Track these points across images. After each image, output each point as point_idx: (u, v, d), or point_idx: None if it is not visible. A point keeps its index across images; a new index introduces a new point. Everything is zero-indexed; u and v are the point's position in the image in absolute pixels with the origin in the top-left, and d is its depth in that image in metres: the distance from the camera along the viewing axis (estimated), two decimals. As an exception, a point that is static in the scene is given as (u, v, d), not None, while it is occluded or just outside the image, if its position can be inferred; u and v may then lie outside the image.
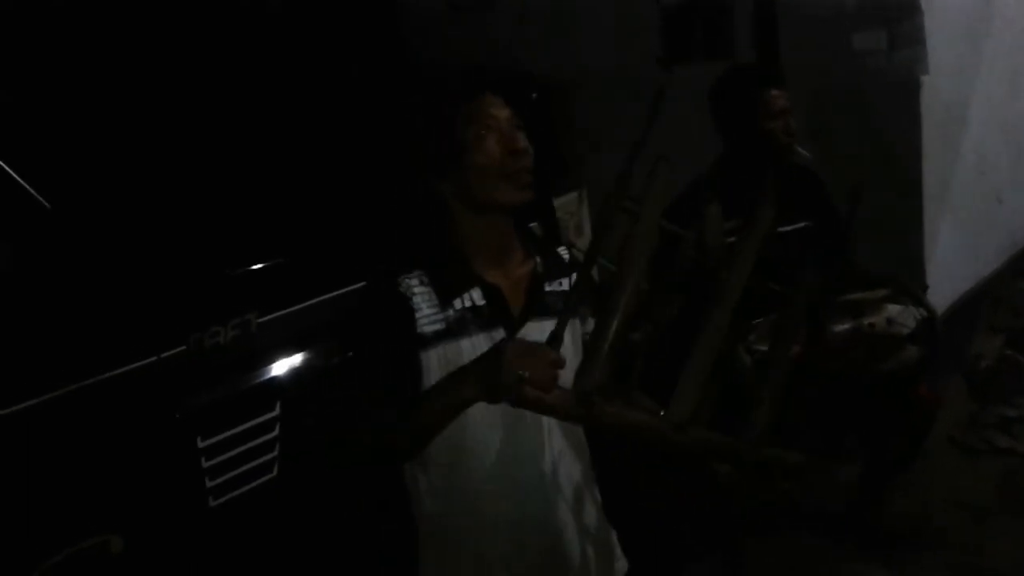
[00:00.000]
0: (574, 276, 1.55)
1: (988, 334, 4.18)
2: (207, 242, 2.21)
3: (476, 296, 1.48)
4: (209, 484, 2.05)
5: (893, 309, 2.44)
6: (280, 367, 2.19)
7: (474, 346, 1.45)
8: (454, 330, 1.46)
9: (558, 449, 1.53)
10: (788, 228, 2.61)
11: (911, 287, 2.60)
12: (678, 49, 4.01)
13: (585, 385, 1.23)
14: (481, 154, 1.44)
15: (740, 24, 3.90)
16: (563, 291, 1.54)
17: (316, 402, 2.14)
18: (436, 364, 1.45)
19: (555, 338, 1.26)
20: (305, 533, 2.16)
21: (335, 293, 2.27)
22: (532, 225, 2.59)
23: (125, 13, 2.46)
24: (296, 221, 2.40)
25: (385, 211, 2.32)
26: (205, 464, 2.04)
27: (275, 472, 2.15)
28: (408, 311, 1.45)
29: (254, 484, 2.12)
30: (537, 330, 1.44)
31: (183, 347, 2.02)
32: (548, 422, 1.50)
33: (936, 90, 3.69)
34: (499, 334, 1.47)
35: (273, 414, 2.15)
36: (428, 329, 1.45)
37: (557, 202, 3.16)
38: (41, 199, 1.92)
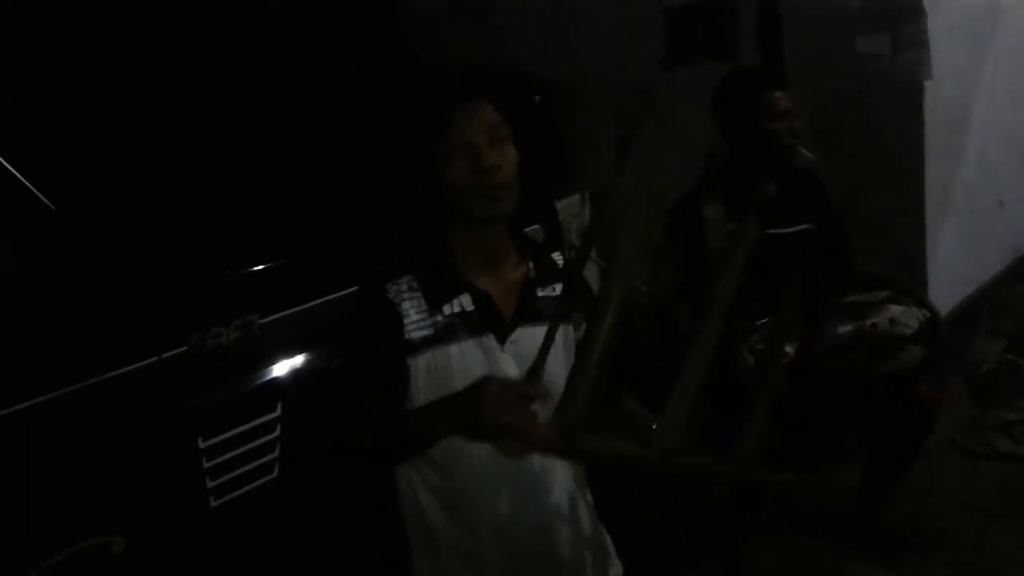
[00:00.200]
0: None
1: (989, 338, 4.17)
2: (209, 243, 2.21)
3: (465, 302, 1.47)
4: (210, 485, 2.05)
5: (896, 310, 2.45)
6: (282, 368, 2.19)
7: (463, 352, 1.45)
8: (443, 336, 1.45)
9: (565, 495, 1.53)
10: (789, 230, 2.62)
11: (913, 288, 2.60)
12: (681, 51, 4.01)
13: (565, 421, 1.21)
14: (451, 169, 1.42)
15: (743, 26, 3.89)
16: (556, 296, 1.53)
17: (314, 404, 2.14)
18: (424, 370, 1.44)
19: (534, 372, 1.25)
20: (306, 534, 2.16)
21: (337, 295, 2.27)
22: (534, 228, 2.60)
23: (128, 13, 2.46)
24: (299, 222, 2.40)
25: (384, 213, 2.32)
26: (206, 465, 2.04)
27: (276, 473, 2.15)
28: (395, 316, 1.45)
29: (255, 485, 2.12)
30: (528, 335, 1.44)
31: (185, 348, 2.02)
32: (553, 472, 1.51)
33: (939, 94, 3.69)
34: (489, 340, 1.47)
35: (274, 415, 2.15)
36: (416, 335, 1.44)
37: (559, 204, 3.17)
38: (45, 200, 1.93)
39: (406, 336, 1.44)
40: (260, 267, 2.24)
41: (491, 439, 1.22)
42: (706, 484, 1.74)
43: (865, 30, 3.67)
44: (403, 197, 1.61)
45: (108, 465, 1.88)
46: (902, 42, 3.64)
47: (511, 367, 1.45)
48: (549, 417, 1.20)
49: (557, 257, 1.63)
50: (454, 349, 1.45)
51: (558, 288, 1.54)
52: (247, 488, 2.11)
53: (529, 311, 1.50)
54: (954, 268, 3.98)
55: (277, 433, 2.15)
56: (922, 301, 2.50)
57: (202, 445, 2.03)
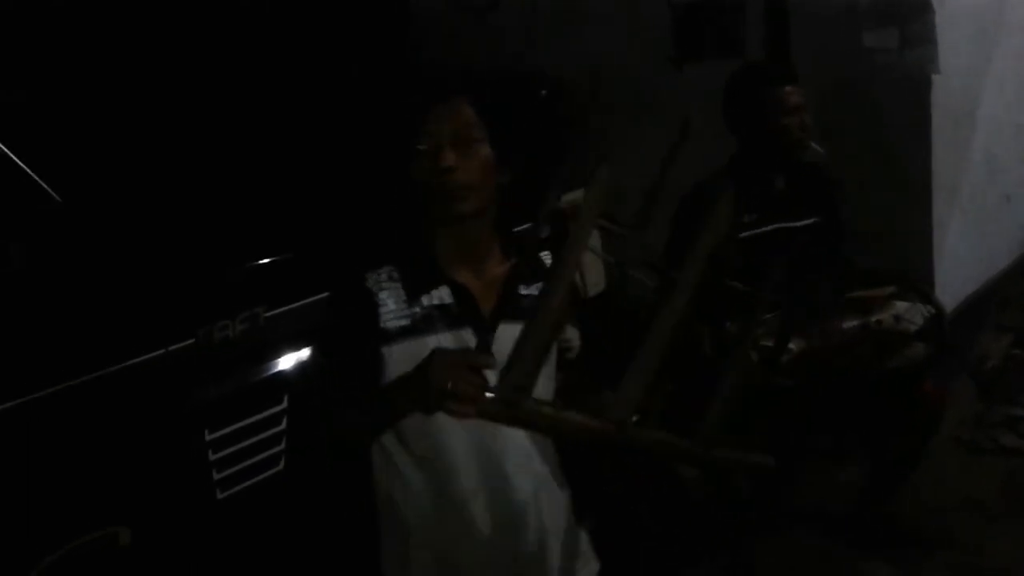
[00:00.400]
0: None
1: (996, 333, 4.17)
2: (216, 236, 2.22)
3: (444, 295, 1.49)
4: (216, 476, 2.06)
5: (900, 306, 2.44)
6: (288, 361, 2.20)
7: (440, 344, 1.45)
8: (420, 327, 1.46)
9: (524, 450, 1.53)
10: (797, 224, 2.62)
11: (919, 284, 2.60)
12: (689, 48, 4.00)
13: (505, 388, 1.23)
14: (416, 168, 1.46)
15: (751, 23, 3.89)
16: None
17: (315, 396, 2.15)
18: (400, 360, 1.44)
19: (483, 344, 1.29)
20: (312, 527, 2.17)
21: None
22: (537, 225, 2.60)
23: (138, 11, 2.47)
24: (305, 216, 2.41)
25: (376, 206, 2.33)
26: (212, 457, 2.05)
27: (282, 465, 2.16)
28: (371, 305, 1.47)
29: (261, 477, 2.13)
30: (510, 333, 1.45)
31: (191, 340, 2.03)
32: (518, 444, 1.50)
33: (946, 89, 3.68)
34: (467, 334, 1.48)
35: (280, 408, 2.16)
36: (392, 325, 1.46)
37: (564, 199, 3.16)
38: (52, 193, 1.94)
39: (382, 325, 1.46)
40: (266, 260, 2.24)
41: (438, 403, 1.24)
42: (670, 461, 1.73)
43: (872, 25, 3.67)
44: (387, 191, 1.63)
45: (115, 457, 1.89)
46: (909, 38, 3.63)
47: None
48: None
49: (546, 257, 1.63)
50: (431, 340, 1.45)
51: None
52: (253, 480, 2.12)
53: (510, 308, 1.50)
54: (961, 263, 3.97)
55: (283, 426, 2.15)
56: (927, 297, 2.50)
57: (209, 437, 2.04)
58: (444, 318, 1.48)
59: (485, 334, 1.45)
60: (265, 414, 2.13)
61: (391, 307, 1.47)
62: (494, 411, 1.25)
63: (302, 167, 2.55)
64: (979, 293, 4.22)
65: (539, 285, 1.52)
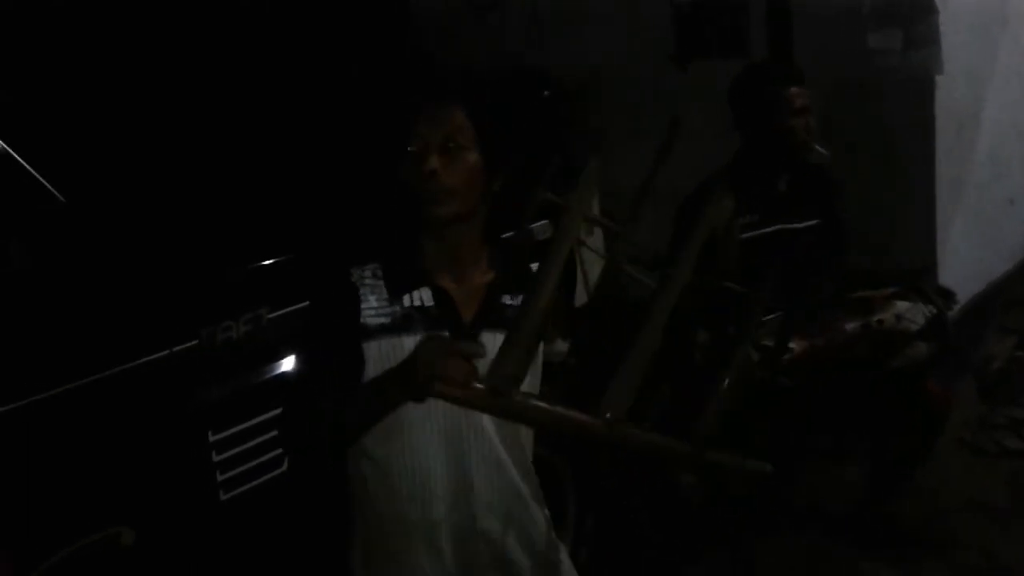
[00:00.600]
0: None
1: (1000, 335, 4.16)
2: (220, 236, 2.22)
3: (425, 296, 1.50)
4: (220, 478, 2.06)
5: (902, 306, 2.45)
6: (291, 361, 2.20)
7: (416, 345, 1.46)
8: (398, 326, 1.47)
9: (495, 461, 1.52)
10: (796, 225, 2.62)
11: (920, 284, 2.60)
12: (691, 47, 4.01)
13: (496, 377, 1.23)
14: (404, 171, 1.47)
15: (754, 23, 3.89)
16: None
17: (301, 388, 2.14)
18: (376, 356, 1.46)
19: (472, 334, 1.31)
20: (314, 528, 2.17)
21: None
22: (543, 224, 2.60)
23: (141, 11, 2.48)
24: (308, 216, 2.41)
25: (374, 206, 2.34)
26: (216, 458, 2.05)
27: (286, 467, 2.16)
28: (355, 299, 1.48)
29: (265, 478, 2.14)
30: (491, 341, 1.45)
31: (195, 341, 2.03)
32: (487, 433, 1.50)
33: (950, 91, 3.67)
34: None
35: (281, 411, 2.16)
36: (372, 321, 1.47)
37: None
38: (56, 193, 1.94)
39: (362, 320, 1.47)
40: (269, 261, 2.25)
41: (427, 386, 1.25)
42: (669, 465, 1.73)
43: (876, 26, 3.66)
44: (380, 190, 1.64)
45: (119, 458, 1.89)
46: (913, 38, 3.62)
47: None
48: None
49: (534, 267, 1.63)
50: (408, 340, 1.46)
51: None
52: (257, 482, 2.12)
53: (491, 316, 1.51)
54: (965, 265, 3.96)
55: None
56: (929, 297, 2.50)
57: (212, 439, 2.05)
58: (423, 320, 1.48)
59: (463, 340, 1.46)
60: (268, 415, 2.13)
61: (372, 303, 1.48)
62: (483, 399, 1.26)
63: (304, 167, 2.55)
64: (983, 295, 4.22)
65: (523, 297, 1.53)
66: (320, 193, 2.50)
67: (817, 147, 2.59)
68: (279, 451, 2.15)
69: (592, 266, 2.29)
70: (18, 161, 1.90)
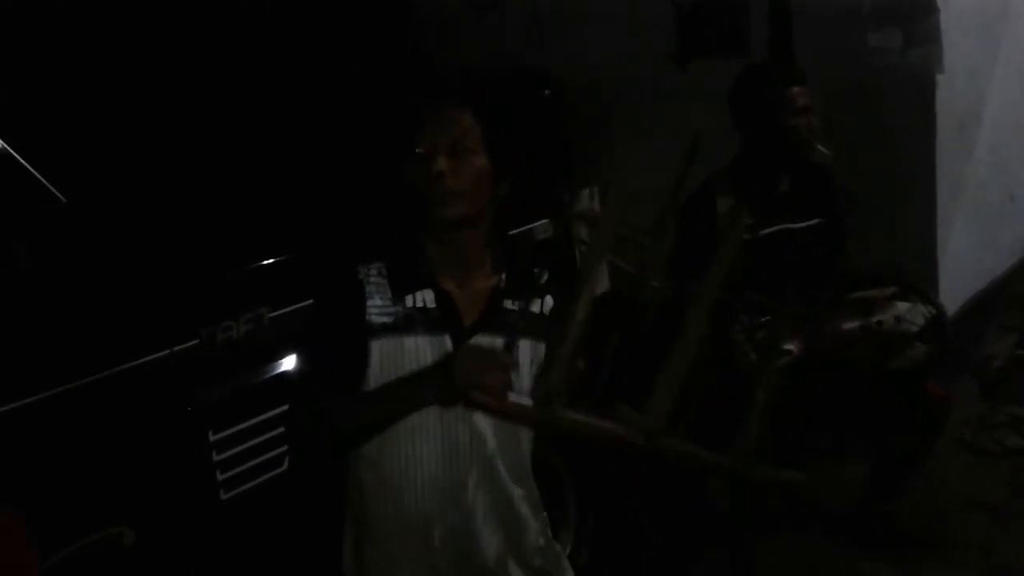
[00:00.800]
0: (546, 299, 1.57)
1: (1000, 333, 4.16)
2: (220, 236, 2.22)
3: (428, 298, 1.50)
4: (220, 477, 2.07)
5: (902, 307, 2.44)
6: (291, 361, 2.20)
7: (417, 346, 1.47)
8: (400, 326, 1.48)
9: (490, 470, 1.52)
10: (802, 225, 2.62)
11: (920, 285, 2.60)
12: (692, 47, 4.00)
13: (545, 390, 1.24)
14: (411, 172, 1.47)
15: (754, 22, 3.88)
16: (527, 311, 1.55)
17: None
18: (377, 355, 1.46)
19: (510, 344, 1.32)
20: (315, 527, 2.17)
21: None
22: (544, 223, 2.60)
23: (143, 11, 2.48)
24: (309, 216, 2.41)
25: (371, 206, 2.34)
26: (217, 458, 2.05)
27: (286, 466, 2.16)
28: (360, 295, 1.49)
29: (265, 478, 2.14)
30: (489, 345, 1.46)
31: (196, 341, 2.04)
32: (484, 436, 1.49)
33: (950, 89, 3.67)
34: (444, 340, 1.48)
35: (284, 409, 2.16)
36: (375, 319, 1.48)
37: (568, 200, 3.16)
38: (57, 193, 1.94)
39: (367, 317, 1.48)
40: (270, 261, 2.25)
41: (462, 395, 1.28)
42: (705, 477, 1.75)
43: (876, 25, 3.66)
44: (386, 192, 1.64)
45: (120, 458, 1.89)
46: (914, 37, 3.62)
47: None
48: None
49: (538, 273, 1.63)
50: (409, 341, 1.47)
51: (536, 305, 1.56)
52: (257, 481, 2.12)
53: (492, 321, 1.51)
54: (965, 263, 3.96)
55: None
56: (928, 298, 2.50)
57: (213, 438, 2.05)
58: (425, 321, 1.49)
59: (463, 343, 1.47)
60: (269, 415, 2.13)
61: (376, 302, 1.49)
62: (520, 411, 1.27)
63: (305, 167, 2.56)
64: (983, 293, 4.21)
65: (525, 301, 1.54)
66: (326, 191, 2.50)
67: (819, 146, 2.59)
68: (279, 450, 2.15)
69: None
70: (19, 161, 1.90)
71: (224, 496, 2.07)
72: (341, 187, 2.53)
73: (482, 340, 1.47)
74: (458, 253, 1.53)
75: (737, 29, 3.90)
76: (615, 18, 4.00)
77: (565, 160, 3.29)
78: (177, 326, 2.02)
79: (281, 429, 2.14)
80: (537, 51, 4.06)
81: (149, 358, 1.95)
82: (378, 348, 1.47)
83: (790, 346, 2.31)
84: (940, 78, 3.62)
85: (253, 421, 2.12)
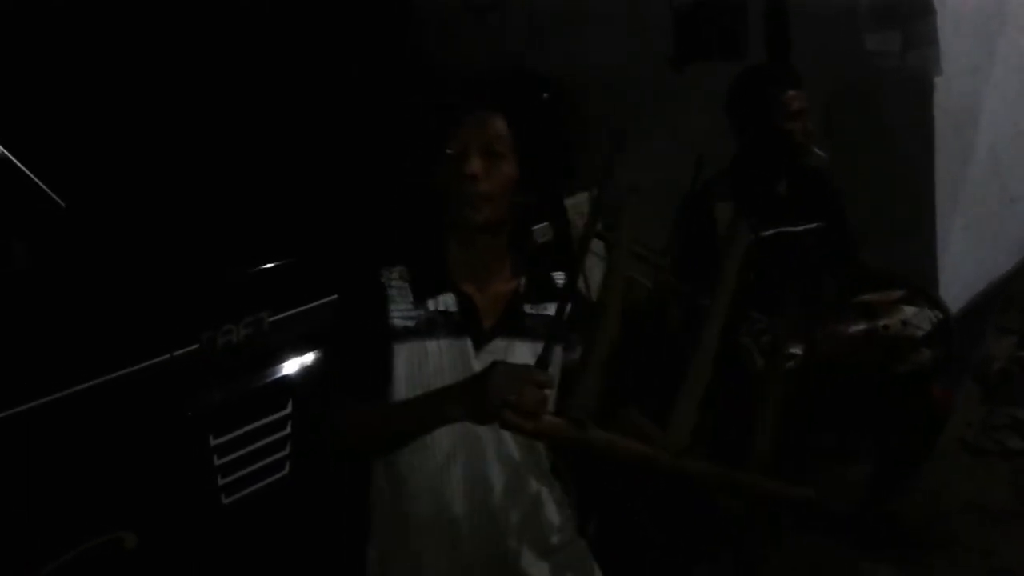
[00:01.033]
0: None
1: (1000, 335, 4.16)
2: (221, 240, 2.22)
3: (449, 302, 1.50)
4: (221, 482, 2.06)
5: (908, 311, 2.44)
6: (292, 366, 2.20)
7: (440, 349, 1.47)
8: (423, 330, 1.48)
9: (517, 470, 1.53)
10: (799, 229, 2.62)
11: (927, 289, 2.59)
12: (689, 49, 4.00)
13: (578, 410, 1.24)
14: (441, 176, 1.47)
15: (752, 24, 3.88)
16: (546, 315, 1.55)
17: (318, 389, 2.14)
18: (402, 358, 1.47)
19: (543, 361, 1.30)
20: (317, 531, 2.16)
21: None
22: (543, 225, 2.60)
23: (143, 12, 2.47)
24: (310, 220, 2.41)
25: (392, 208, 2.34)
26: (217, 462, 2.05)
27: (287, 470, 2.16)
28: (383, 299, 1.49)
29: (266, 482, 2.13)
30: (505, 348, 1.46)
31: (196, 345, 2.03)
32: (504, 435, 1.50)
33: (949, 91, 3.67)
34: (465, 343, 1.49)
35: (285, 412, 2.16)
36: (399, 323, 1.48)
37: (568, 202, 3.17)
38: (56, 198, 1.94)
39: (390, 322, 1.48)
40: (270, 265, 2.24)
41: (496, 414, 1.25)
42: (720, 495, 1.76)
43: (874, 27, 3.66)
44: (408, 194, 1.64)
45: (120, 462, 1.89)
46: (911, 39, 3.62)
47: None
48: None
49: (557, 277, 1.63)
50: (431, 345, 1.47)
51: (552, 308, 1.54)
52: (258, 485, 2.12)
53: (511, 325, 1.52)
54: (964, 265, 3.96)
55: (288, 430, 2.15)
56: (935, 302, 2.49)
57: (213, 443, 2.04)
58: (446, 325, 1.49)
59: (483, 347, 1.46)
60: (270, 419, 2.13)
61: (399, 305, 1.49)
62: (554, 432, 1.27)
63: (310, 169, 2.55)
64: (983, 295, 4.21)
65: (545, 305, 1.54)
66: (346, 195, 2.49)
67: (815, 150, 2.59)
68: (280, 455, 2.15)
69: (592, 271, 2.29)
70: (17, 166, 1.90)
71: (225, 500, 2.06)
72: (361, 190, 2.53)
73: (498, 343, 1.46)
74: (481, 256, 1.53)
75: (734, 32, 3.90)
76: (615, 19, 4.00)
77: (565, 161, 3.29)
78: (177, 330, 2.01)
79: (280, 433, 2.14)
80: (537, 52, 4.06)
81: (149, 362, 1.95)
82: (402, 352, 1.47)
83: (795, 349, 2.31)
84: (938, 80, 3.62)
85: (254, 425, 2.11)
